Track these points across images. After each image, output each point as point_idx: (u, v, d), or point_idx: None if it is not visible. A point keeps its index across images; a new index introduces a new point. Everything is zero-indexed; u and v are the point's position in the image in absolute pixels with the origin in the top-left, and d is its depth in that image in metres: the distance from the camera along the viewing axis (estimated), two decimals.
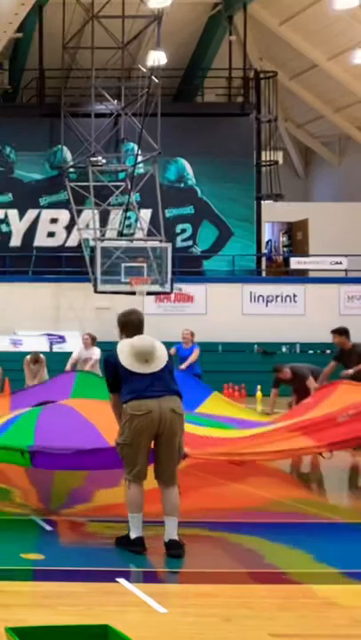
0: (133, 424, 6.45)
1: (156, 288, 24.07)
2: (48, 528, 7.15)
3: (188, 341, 15.83)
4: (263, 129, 28.60)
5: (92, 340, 15.34)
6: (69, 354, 16.25)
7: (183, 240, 27.52)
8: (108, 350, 7.07)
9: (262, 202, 28.43)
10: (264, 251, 29.92)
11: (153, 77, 24.97)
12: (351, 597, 5.50)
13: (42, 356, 16.03)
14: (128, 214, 26.23)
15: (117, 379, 6.57)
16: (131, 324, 6.72)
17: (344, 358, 12.16)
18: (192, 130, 27.19)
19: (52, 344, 23.34)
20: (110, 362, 6.64)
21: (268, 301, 25.90)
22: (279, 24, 26.91)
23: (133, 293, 23.31)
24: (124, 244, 25.09)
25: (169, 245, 24.59)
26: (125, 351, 6.52)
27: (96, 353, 15.14)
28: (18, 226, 27.48)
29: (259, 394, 22.47)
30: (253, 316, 25.68)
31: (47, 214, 27.49)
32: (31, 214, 27.46)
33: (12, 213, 27.44)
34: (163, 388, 6.49)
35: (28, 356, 16.02)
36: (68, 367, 15.08)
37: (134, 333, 6.67)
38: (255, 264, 28.22)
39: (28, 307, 25.02)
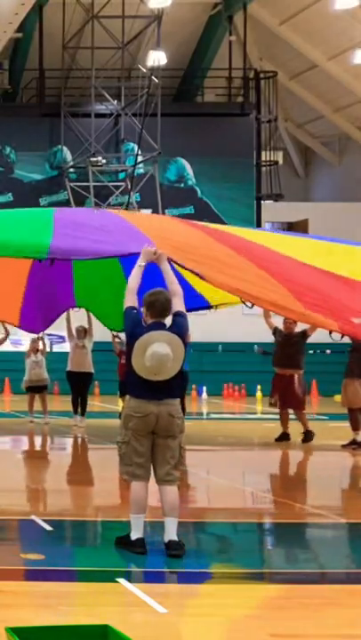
0: (130, 424, 6.48)
1: None
2: (48, 528, 7.14)
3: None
4: (263, 129, 28.57)
5: (84, 332, 15.17)
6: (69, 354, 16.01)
7: None
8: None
9: (262, 202, 28.39)
10: None
11: (153, 77, 24.97)
12: (350, 597, 5.50)
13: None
14: None
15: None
16: (157, 303, 6.49)
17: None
18: (192, 130, 27.16)
19: (52, 344, 23.30)
20: (132, 327, 6.56)
21: None
22: (279, 24, 26.90)
23: None
24: None
25: None
26: (139, 356, 6.37)
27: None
28: None
29: (259, 394, 22.49)
30: (253, 316, 25.58)
31: None
32: None
33: None
34: (165, 393, 6.47)
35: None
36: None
37: (158, 314, 6.49)
38: None
39: None
